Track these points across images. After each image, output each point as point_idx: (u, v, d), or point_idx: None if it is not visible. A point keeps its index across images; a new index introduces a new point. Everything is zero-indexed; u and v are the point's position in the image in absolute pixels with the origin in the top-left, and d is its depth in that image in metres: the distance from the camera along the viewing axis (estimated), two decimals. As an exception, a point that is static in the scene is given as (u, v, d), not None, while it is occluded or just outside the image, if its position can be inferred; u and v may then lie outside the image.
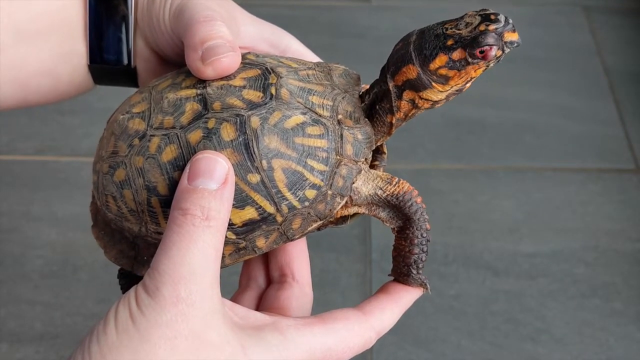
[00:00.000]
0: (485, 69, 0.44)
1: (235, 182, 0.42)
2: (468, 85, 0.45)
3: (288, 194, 0.43)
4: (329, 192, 0.44)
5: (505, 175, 1.23)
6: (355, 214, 0.48)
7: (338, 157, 0.44)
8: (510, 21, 0.43)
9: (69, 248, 1.13)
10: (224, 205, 0.41)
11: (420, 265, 0.46)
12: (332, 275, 1.07)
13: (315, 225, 0.45)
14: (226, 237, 0.43)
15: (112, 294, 1.07)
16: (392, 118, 0.47)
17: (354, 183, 0.45)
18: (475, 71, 0.44)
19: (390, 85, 0.46)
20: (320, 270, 1.07)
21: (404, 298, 0.47)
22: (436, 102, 0.46)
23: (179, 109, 0.44)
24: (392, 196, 0.46)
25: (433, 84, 0.45)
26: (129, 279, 0.53)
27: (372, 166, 0.50)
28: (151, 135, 0.44)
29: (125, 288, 0.54)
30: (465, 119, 1.33)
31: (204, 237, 0.40)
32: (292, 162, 0.43)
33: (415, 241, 0.46)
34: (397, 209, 0.46)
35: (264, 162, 0.43)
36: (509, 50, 0.43)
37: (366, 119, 0.47)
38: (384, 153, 0.51)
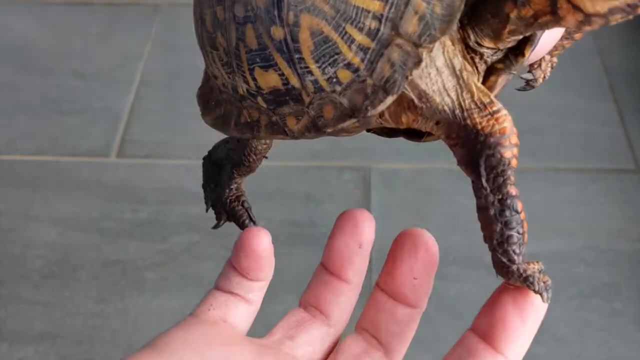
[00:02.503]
0: None
1: (261, 34, 0.33)
2: None
3: (314, 67, 0.33)
4: (369, 80, 0.32)
5: (506, 175, 1.23)
6: (430, 134, 0.36)
7: (392, 33, 0.31)
8: None
9: (69, 248, 1.13)
10: None
11: (515, 250, 0.33)
12: (332, 275, 1.07)
13: (349, 122, 0.33)
14: (258, 104, 0.35)
15: (112, 293, 1.07)
16: (512, 9, 0.31)
17: (408, 77, 0.31)
18: None
19: None
20: (320, 270, 1.07)
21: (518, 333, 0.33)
22: (587, 18, 0.30)
23: None
24: (471, 128, 0.32)
25: None
26: (212, 163, 0.47)
27: (491, 69, 0.35)
28: None
29: (205, 166, 0.48)
30: (465, 119, 1.33)
31: None
32: (325, 23, 0.32)
33: (491, 211, 0.32)
34: (475, 151, 0.32)
35: (291, 15, 0.32)
36: None
37: None
38: (523, 56, 0.34)
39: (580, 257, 1.11)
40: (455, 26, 0.32)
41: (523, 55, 0.34)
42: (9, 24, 1.54)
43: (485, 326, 0.33)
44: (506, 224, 0.33)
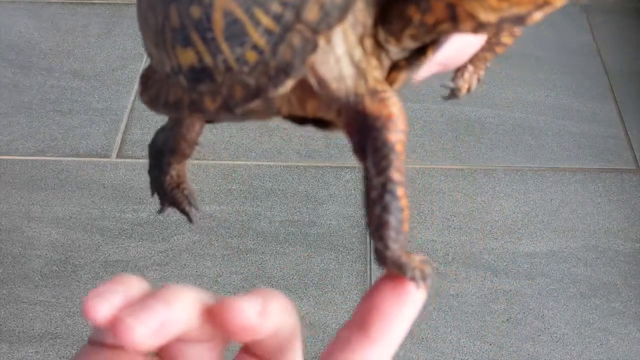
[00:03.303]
0: None
1: (182, 13, 0.35)
2: (535, 17, 0.31)
3: (224, 46, 0.34)
4: (272, 62, 0.34)
5: (505, 175, 1.23)
6: (334, 124, 0.36)
7: (294, 19, 0.33)
8: None
9: (69, 248, 1.13)
10: None
11: (391, 235, 0.32)
12: (332, 274, 1.07)
13: (255, 102, 0.34)
14: (180, 82, 0.37)
15: (112, 293, 1.07)
16: (414, 13, 0.33)
17: (306, 62, 0.33)
18: None
19: None
20: (320, 269, 1.07)
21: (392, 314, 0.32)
22: (481, 26, 0.32)
23: None
24: (362, 113, 0.33)
25: None
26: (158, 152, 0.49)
27: (395, 66, 0.36)
28: None
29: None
30: (464, 119, 1.33)
31: None
32: (236, 4, 0.33)
33: (373, 195, 0.32)
34: (364, 135, 0.33)
35: None
36: None
37: None
38: (424, 57, 0.35)
39: (579, 257, 1.11)
40: (366, 19, 0.34)
41: (426, 56, 0.35)
42: (9, 24, 1.55)
43: (362, 315, 0.32)
44: (384, 209, 0.32)
